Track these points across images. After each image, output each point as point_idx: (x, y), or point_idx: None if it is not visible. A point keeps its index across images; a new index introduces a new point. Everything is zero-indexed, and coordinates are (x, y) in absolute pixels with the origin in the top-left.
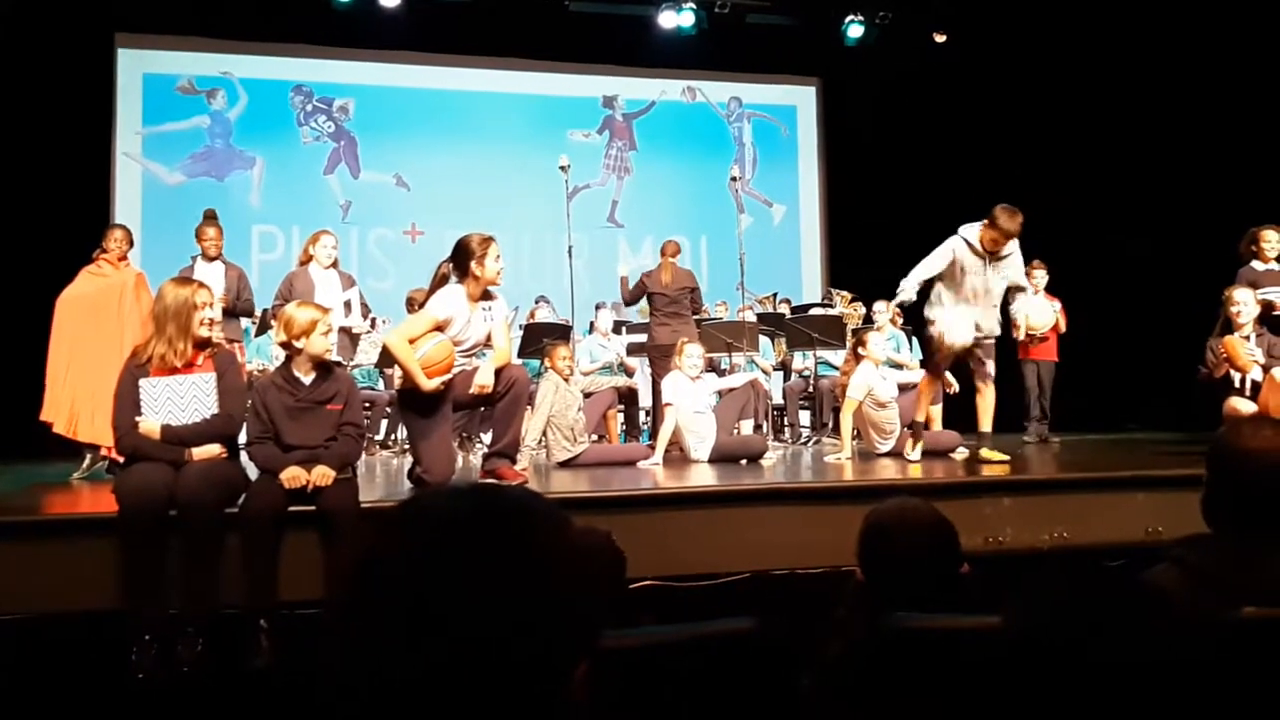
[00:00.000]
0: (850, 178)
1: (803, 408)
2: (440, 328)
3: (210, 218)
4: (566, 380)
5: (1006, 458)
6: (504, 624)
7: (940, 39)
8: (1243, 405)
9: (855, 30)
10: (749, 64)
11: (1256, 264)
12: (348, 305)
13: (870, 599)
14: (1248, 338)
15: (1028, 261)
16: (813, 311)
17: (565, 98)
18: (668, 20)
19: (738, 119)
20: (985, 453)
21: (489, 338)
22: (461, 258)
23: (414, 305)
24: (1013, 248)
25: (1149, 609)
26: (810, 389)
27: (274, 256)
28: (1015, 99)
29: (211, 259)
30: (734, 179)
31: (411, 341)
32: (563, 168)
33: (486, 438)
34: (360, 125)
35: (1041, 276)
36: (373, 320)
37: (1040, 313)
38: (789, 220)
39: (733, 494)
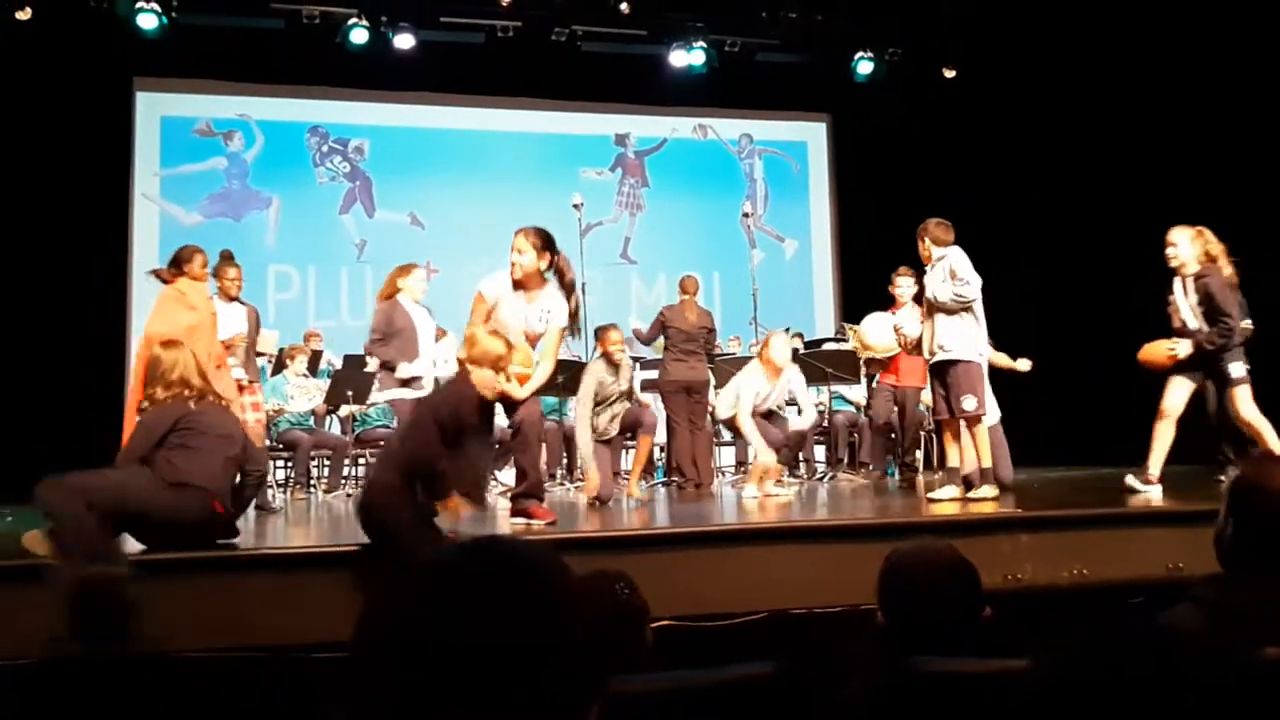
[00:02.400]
0: (862, 212)
1: (818, 442)
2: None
3: (228, 258)
4: (615, 365)
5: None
6: (512, 675)
7: (950, 74)
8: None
9: (865, 67)
10: (759, 101)
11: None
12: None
13: (890, 641)
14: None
15: (894, 269)
16: (826, 346)
17: (577, 136)
18: (679, 59)
19: (749, 155)
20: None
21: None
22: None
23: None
24: (940, 263)
25: (1173, 651)
26: (826, 424)
27: (290, 296)
28: (1024, 133)
29: (232, 299)
30: (746, 215)
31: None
32: (576, 205)
33: (502, 475)
34: (375, 165)
35: (907, 286)
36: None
37: (878, 331)
38: (801, 255)
39: (749, 532)
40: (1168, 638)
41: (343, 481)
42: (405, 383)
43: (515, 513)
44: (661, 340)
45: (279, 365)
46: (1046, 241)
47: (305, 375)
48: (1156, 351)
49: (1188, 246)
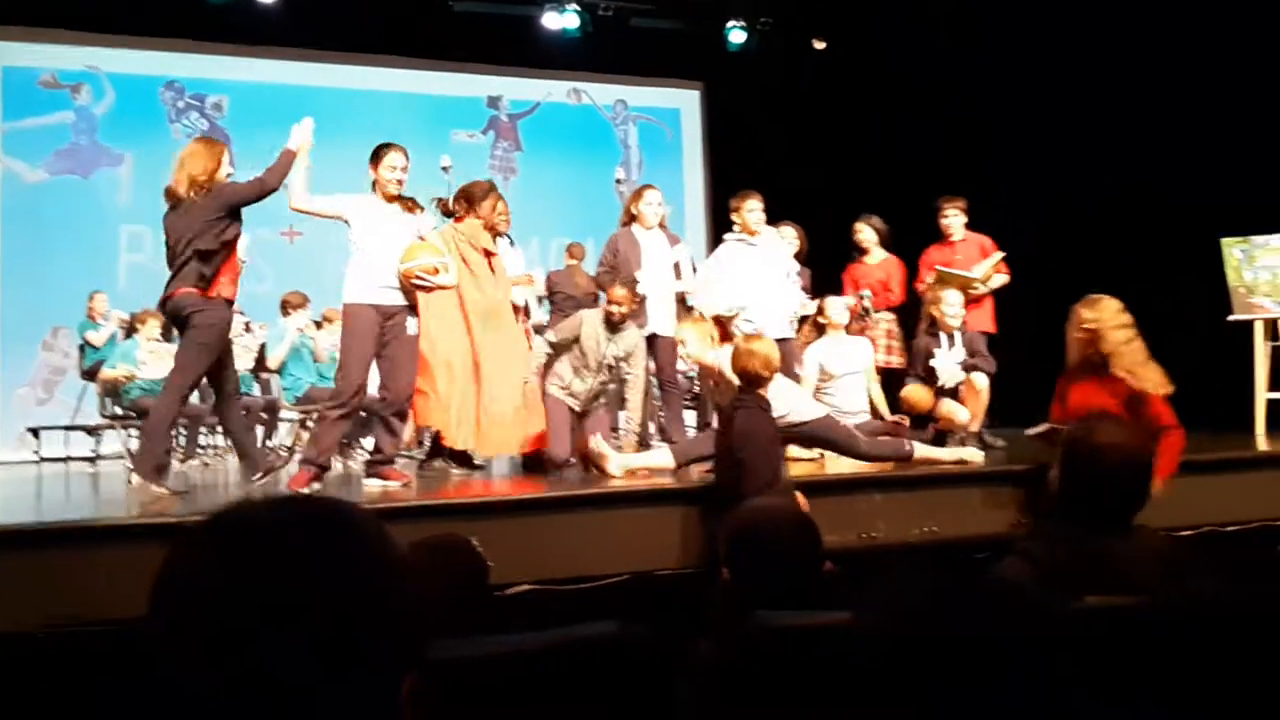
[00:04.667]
0: (734, 181)
1: (687, 408)
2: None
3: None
4: (615, 328)
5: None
6: (319, 636)
7: (819, 46)
8: (957, 412)
9: (737, 36)
10: (633, 67)
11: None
12: (677, 267)
13: (736, 598)
14: (952, 336)
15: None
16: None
17: (449, 97)
18: (552, 21)
19: (623, 122)
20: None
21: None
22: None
23: (289, 308)
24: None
25: (999, 601)
26: (694, 389)
27: (143, 257)
28: (893, 105)
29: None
30: (619, 181)
31: None
32: (445, 168)
33: (367, 443)
34: (234, 123)
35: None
36: (247, 325)
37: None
38: (674, 223)
39: (611, 496)
40: (995, 589)
41: (199, 451)
42: None
43: (371, 476)
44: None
45: (130, 330)
46: (919, 212)
47: (158, 340)
48: (920, 400)
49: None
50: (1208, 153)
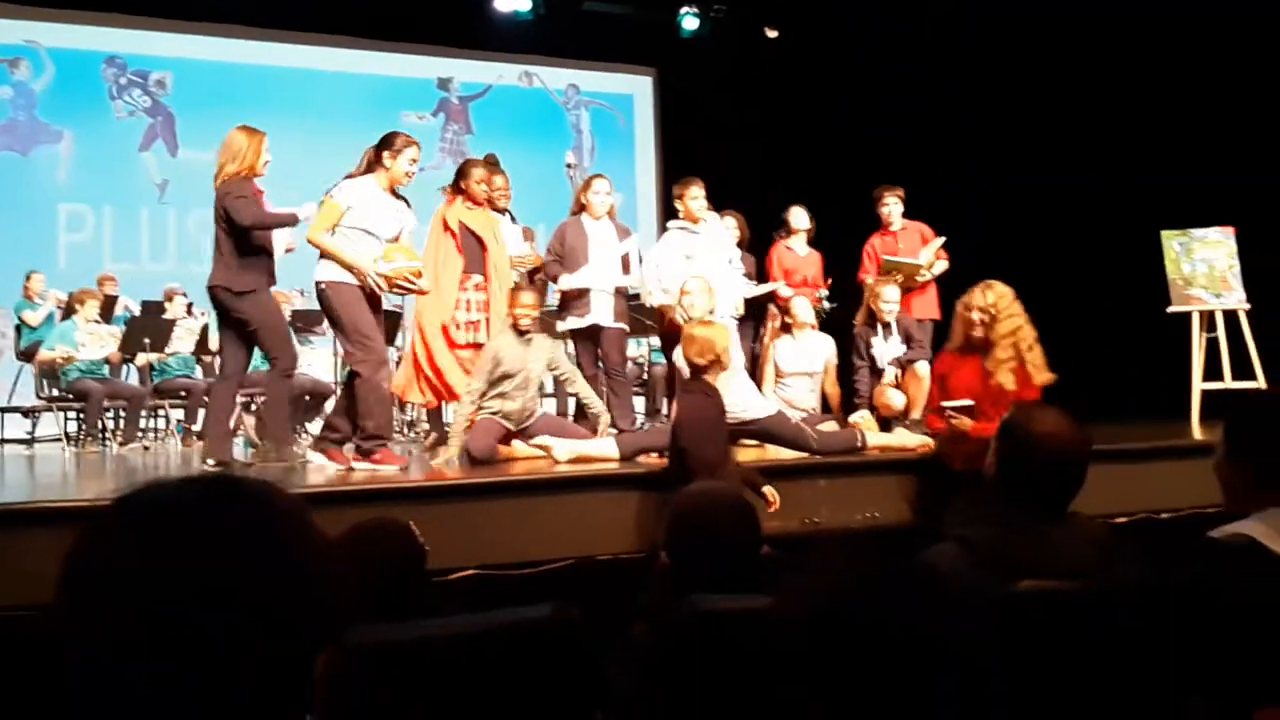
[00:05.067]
0: (686, 168)
1: (636, 394)
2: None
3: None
4: (524, 336)
5: None
6: (233, 616)
7: (772, 34)
8: (894, 398)
9: (690, 22)
10: (586, 51)
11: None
12: (625, 260)
13: (674, 582)
14: (887, 324)
15: None
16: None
17: (398, 78)
18: (504, 3)
19: (575, 106)
20: None
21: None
22: (380, 146)
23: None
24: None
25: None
26: (645, 375)
27: (82, 237)
28: (843, 93)
29: (500, 211)
30: (570, 166)
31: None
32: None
33: (313, 427)
34: (179, 101)
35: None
36: (189, 306)
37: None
38: (626, 210)
39: (554, 481)
40: (926, 574)
41: (139, 434)
42: None
43: (316, 448)
44: None
45: (68, 310)
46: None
47: (97, 321)
48: (892, 402)
49: None
50: (1151, 146)
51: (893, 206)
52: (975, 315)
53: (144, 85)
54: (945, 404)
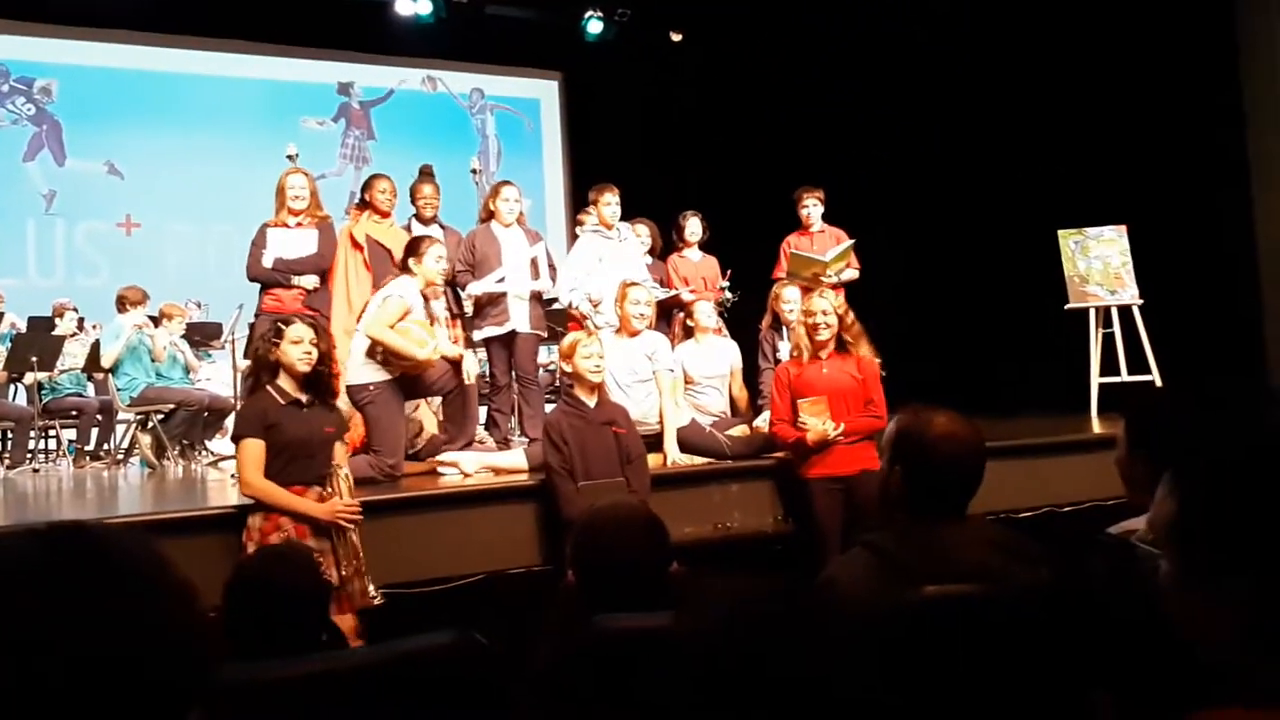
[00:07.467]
0: (593, 173)
1: (549, 401)
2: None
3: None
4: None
5: None
6: (86, 675)
7: (676, 38)
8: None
9: (595, 26)
10: (490, 55)
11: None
12: (534, 264)
13: (580, 601)
14: (791, 326)
15: None
16: (555, 306)
17: (297, 83)
18: (405, 7)
19: (480, 111)
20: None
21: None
22: (406, 254)
23: (125, 304)
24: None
25: (834, 595)
26: (556, 383)
27: None
28: (749, 97)
29: (428, 220)
30: (475, 171)
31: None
32: (290, 156)
33: (212, 445)
34: (65, 108)
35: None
36: (80, 322)
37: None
38: (534, 215)
39: (461, 495)
40: (826, 589)
41: (28, 457)
42: None
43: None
44: None
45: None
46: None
47: None
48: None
49: None
50: (1049, 148)
51: (812, 208)
52: (820, 319)
53: (28, 93)
54: (800, 400)
